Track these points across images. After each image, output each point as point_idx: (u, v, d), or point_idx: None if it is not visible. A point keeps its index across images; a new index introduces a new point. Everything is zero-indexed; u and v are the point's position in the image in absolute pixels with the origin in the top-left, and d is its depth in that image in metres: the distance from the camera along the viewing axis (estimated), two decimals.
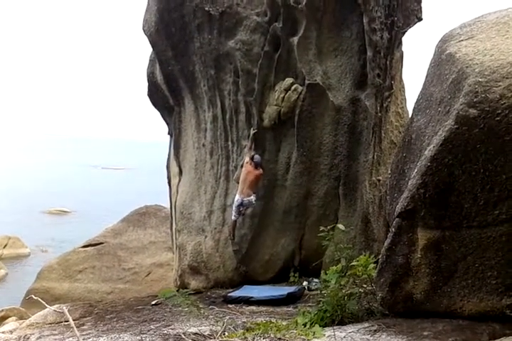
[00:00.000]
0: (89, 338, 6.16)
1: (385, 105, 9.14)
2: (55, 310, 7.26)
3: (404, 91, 10.26)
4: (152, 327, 6.43)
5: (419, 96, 5.38)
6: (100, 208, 37.11)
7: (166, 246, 14.73)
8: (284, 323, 5.51)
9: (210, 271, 9.44)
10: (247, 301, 7.75)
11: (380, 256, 5.03)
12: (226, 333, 5.35)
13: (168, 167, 11.22)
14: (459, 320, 4.63)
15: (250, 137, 8.95)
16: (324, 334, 4.67)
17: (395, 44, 9.16)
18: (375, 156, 9.08)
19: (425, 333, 4.44)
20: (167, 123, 10.99)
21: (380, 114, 9.00)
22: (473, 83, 4.06)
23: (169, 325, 6.40)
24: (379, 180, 9.21)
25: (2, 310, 13.45)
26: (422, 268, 4.68)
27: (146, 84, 10.81)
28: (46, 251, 25.02)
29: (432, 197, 4.40)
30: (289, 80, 8.75)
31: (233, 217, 8.94)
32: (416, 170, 4.53)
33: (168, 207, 12.07)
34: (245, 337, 4.79)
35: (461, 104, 4.08)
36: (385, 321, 4.95)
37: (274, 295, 7.81)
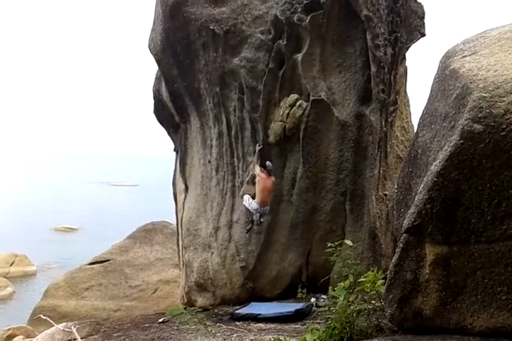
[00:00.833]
0: None
1: (390, 120, 9.18)
2: (63, 330, 7.23)
3: (409, 105, 10.30)
4: None
5: (423, 111, 5.39)
6: (107, 225, 37.11)
7: (173, 263, 14.69)
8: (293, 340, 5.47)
9: (217, 288, 9.39)
10: (255, 318, 7.69)
11: (388, 272, 5.00)
12: None
13: (174, 183, 11.25)
14: (469, 336, 4.56)
15: (256, 153, 8.98)
16: None
17: (398, 59, 9.23)
18: (381, 171, 9.09)
19: None
20: (173, 140, 11.06)
21: (385, 129, 9.03)
22: (477, 98, 4.08)
23: None
24: (386, 195, 9.20)
25: (9, 329, 13.43)
26: (430, 284, 4.64)
27: (152, 101, 10.92)
28: (53, 269, 24.98)
29: (439, 212, 4.39)
30: (293, 96, 8.81)
31: (255, 222, 8.84)
32: (422, 186, 4.52)
33: (175, 223, 12.07)
34: None
35: (465, 120, 4.09)
36: (394, 338, 4.90)
37: (282, 312, 7.75)
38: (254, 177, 8.88)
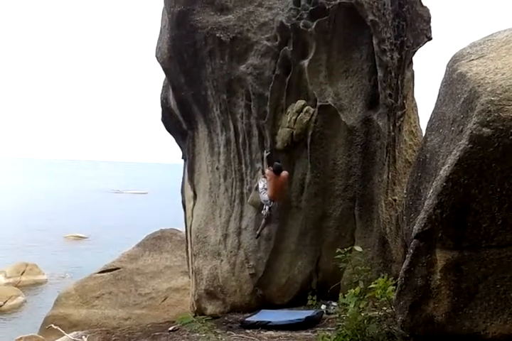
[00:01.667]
0: None
1: (397, 124, 9.15)
2: (74, 339, 7.23)
3: (416, 110, 10.27)
4: None
5: (431, 115, 5.37)
6: (116, 232, 37.18)
7: (182, 271, 14.68)
8: None
9: (227, 296, 9.36)
10: (265, 326, 7.66)
11: (398, 278, 4.96)
12: None
13: (182, 191, 11.26)
14: None
15: (264, 159, 8.98)
16: None
17: (405, 64, 9.22)
18: (390, 176, 9.05)
19: None
20: (181, 148, 11.08)
21: (393, 134, 9.00)
22: (485, 102, 4.05)
23: None
24: (395, 200, 9.15)
25: (21, 338, 13.43)
26: (442, 290, 4.59)
27: (159, 109, 10.97)
28: (63, 278, 25.05)
29: (449, 217, 4.35)
30: (300, 102, 8.80)
31: (262, 213, 8.86)
32: (432, 190, 4.49)
33: (184, 230, 12.07)
34: None
35: (474, 124, 4.06)
36: None
37: (292, 319, 7.70)
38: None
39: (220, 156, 9.61)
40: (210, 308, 9.61)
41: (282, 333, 7.31)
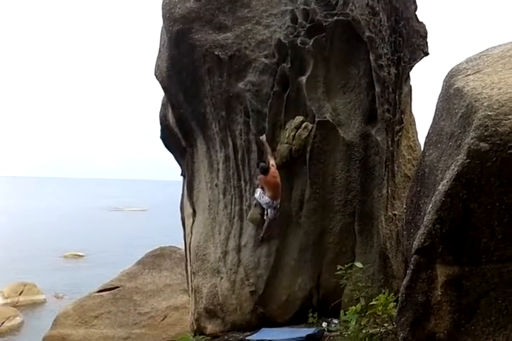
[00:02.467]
0: None
1: (396, 139, 9.17)
2: None
3: (415, 124, 10.31)
4: None
5: (429, 130, 5.38)
6: (115, 250, 37.02)
7: (182, 289, 14.57)
8: None
9: (227, 314, 9.25)
10: None
11: (399, 294, 4.91)
12: None
13: (181, 208, 11.23)
14: None
15: (264, 142, 8.86)
16: None
17: (402, 79, 9.28)
18: (390, 191, 9.04)
19: None
20: (180, 165, 11.09)
21: (391, 148, 9.02)
22: (482, 117, 4.06)
23: None
24: (395, 215, 9.13)
25: None
26: (443, 306, 4.54)
27: (159, 126, 11.00)
28: (62, 298, 24.83)
29: (449, 232, 4.33)
30: (299, 118, 8.84)
31: (269, 216, 8.81)
32: (431, 206, 4.47)
33: (183, 248, 12.00)
34: None
35: (471, 138, 4.07)
36: None
37: (294, 337, 7.64)
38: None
39: (219, 173, 9.61)
40: (210, 327, 9.49)
41: None
